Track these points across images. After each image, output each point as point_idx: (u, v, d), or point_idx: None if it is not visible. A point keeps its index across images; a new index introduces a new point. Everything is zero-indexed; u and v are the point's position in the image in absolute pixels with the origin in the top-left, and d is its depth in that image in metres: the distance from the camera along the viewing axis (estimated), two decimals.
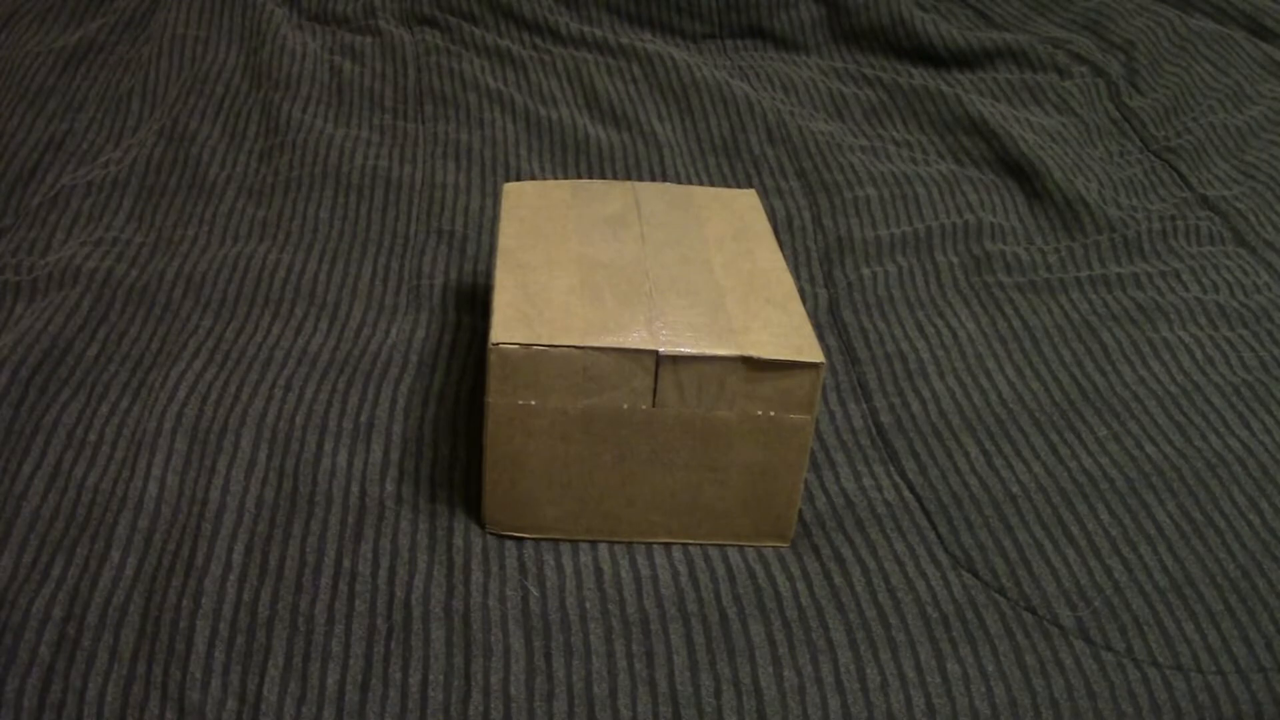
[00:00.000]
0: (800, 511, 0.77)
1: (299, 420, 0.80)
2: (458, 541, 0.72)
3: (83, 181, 1.05)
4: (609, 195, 0.87)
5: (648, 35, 1.41)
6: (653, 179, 1.14)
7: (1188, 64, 1.36)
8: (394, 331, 0.90)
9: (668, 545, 0.74)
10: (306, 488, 0.75)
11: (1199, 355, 0.92)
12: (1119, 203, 1.13)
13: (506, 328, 0.70)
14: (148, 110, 1.19)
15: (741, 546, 0.74)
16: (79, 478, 0.74)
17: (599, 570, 0.72)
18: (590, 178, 1.13)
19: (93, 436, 0.77)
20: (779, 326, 0.73)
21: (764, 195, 1.12)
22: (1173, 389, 0.88)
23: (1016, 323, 0.95)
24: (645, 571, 0.72)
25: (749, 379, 0.70)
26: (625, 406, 0.71)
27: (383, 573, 0.70)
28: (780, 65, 1.36)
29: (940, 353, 0.92)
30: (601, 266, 0.77)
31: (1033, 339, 0.93)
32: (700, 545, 0.74)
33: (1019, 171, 1.16)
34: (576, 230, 0.82)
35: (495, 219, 1.05)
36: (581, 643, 0.67)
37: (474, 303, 0.94)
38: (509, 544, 0.73)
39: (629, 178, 1.14)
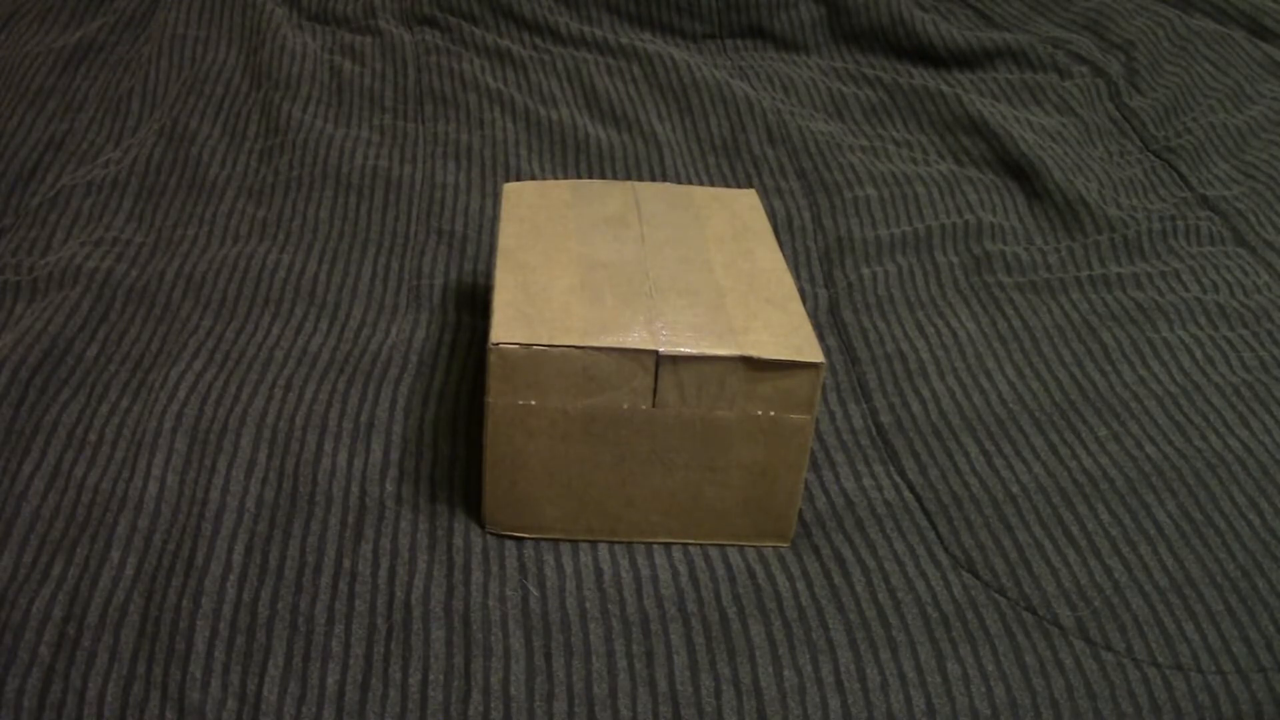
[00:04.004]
0: (800, 511, 0.77)
1: (299, 420, 0.80)
2: (458, 541, 0.72)
3: (83, 181, 1.05)
4: (609, 195, 0.87)
5: (648, 35, 1.41)
6: (653, 179, 1.14)
7: (1188, 64, 1.36)
8: (394, 331, 0.90)
9: (668, 545, 0.74)
10: (306, 488, 0.75)
11: (1199, 355, 0.92)
12: (1119, 203, 1.13)
13: (506, 328, 0.70)
14: (148, 110, 1.19)
15: (741, 546, 0.74)
16: (79, 478, 0.74)
17: (599, 570, 0.72)
18: (590, 178, 1.13)
19: (93, 436, 0.77)
20: (779, 326, 0.73)
21: (764, 195, 1.12)
22: (1173, 389, 0.88)
23: (1016, 323, 0.95)
24: (645, 571, 0.72)
25: (749, 379, 0.70)
26: (625, 406, 0.71)
27: (383, 573, 0.70)
28: (780, 65, 1.36)
29: (940, 353, 0.92)
30: (601, 266, 0.77)
31: (1033, 339, 0.93)
32: (700, 545, 0.74)
33: (1019, 171, 1.16)
34: (576, 230, 0.82)
35: (495, 219, 1.05)
36: (581, 643, 0.67)
37: (474, 303, 0.94)
38: (509, 544, 0.73)
39: (629, 178, 1.14)
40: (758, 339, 0.71)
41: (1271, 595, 0.72)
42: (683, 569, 0.72)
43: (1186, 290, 1.00)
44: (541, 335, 0.70)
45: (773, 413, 0.71)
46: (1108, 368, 0.90)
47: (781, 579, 0.72)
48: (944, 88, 1.29)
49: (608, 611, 0.69)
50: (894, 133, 1.24)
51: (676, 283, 0.76)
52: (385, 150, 1.13)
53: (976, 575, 0.73)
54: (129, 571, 0.68)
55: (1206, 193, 1.14)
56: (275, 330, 0.89)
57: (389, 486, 0.75)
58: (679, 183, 1.13)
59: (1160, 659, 0.68)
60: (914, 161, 1.19)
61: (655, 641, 0.67)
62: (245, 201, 1.05)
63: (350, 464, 0.77)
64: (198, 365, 0.84)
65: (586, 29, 1.38)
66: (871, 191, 1.12)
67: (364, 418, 0.80)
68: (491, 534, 0.73)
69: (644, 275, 0.77)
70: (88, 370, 0.83)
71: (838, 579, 0.72)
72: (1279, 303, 0.99)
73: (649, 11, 1.43)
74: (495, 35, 1.37)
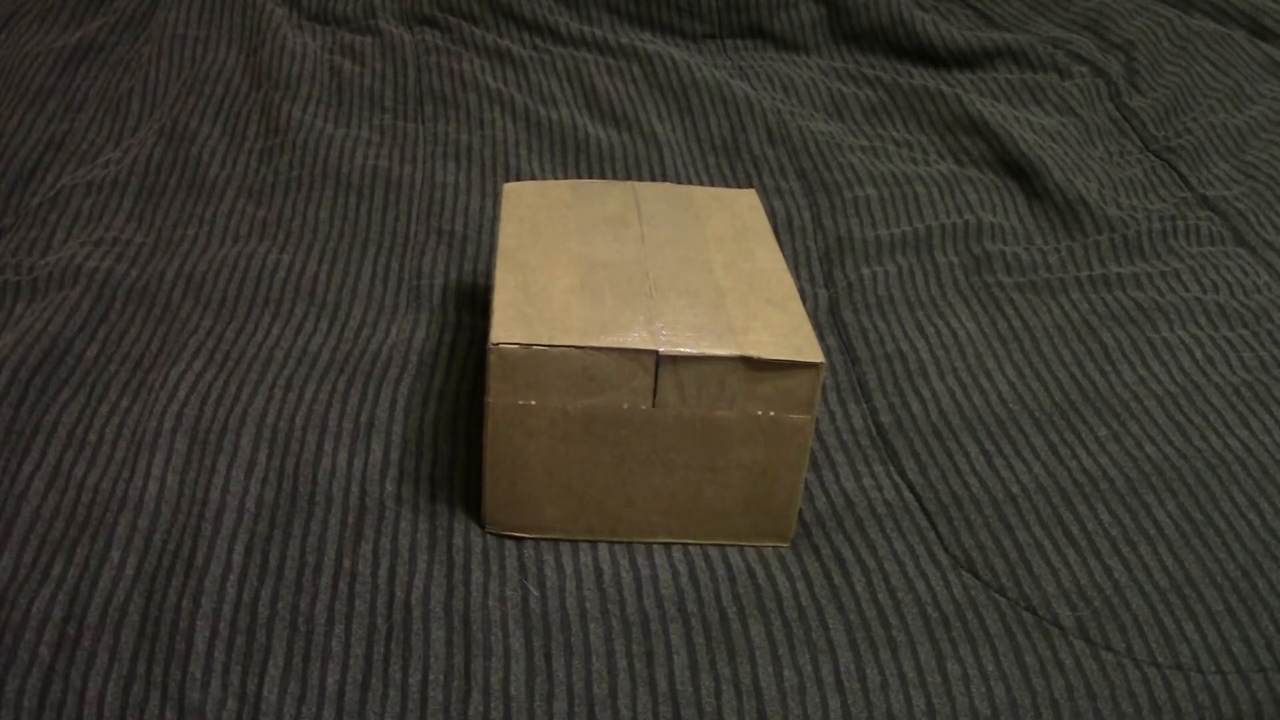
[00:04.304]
0: (800, 511, 0.77)
1: (299, 420, 0.80)
2: (458, 541, 0.72)
3: (83, 181, 1.05)
4: (609, 195, 0.87)
5: (648, 35, 1.41)
6: (653, 179, 1.14)
7: (1188, 64, 1.36)
8: (394, 331, 0.90)
9: (668, 545, 0.74)
10: (306, 488, 0.75)
11: (1199, 355, 0.92)
12: (1119, 203, 1.13)
13: (506, 328, 0.70)
14: (148, 110, 1.19)
15: (741, 546, 0.74)
16: (79, 478, 0.74)
17: (599, 570, 0.72)
18: (590, 178, 1.13)
19: (93, 436, 0.77)
20: (779, 326, 0.73)
21: (764, 195, 1.12)
22: (1173, 389, 0.88)
23: (1016, 323, 0.95)
24: (645, 571, 0.72)
25: (749, 379, 0.70)
26: (625, 406, 0.71)
27: (383, 573, 0.70)
28: (780, 65, 1.36)
29: (940, 353, 0.92)
30: (601, 266, 0.77)
31: (1033, 339, 0.93)
32: (700, 545, 0.74)
33: (1019, 171, 1.16)
34: (576, 230, 0.82)
35: (495, 219, 1.05)
36: (581, 643, 0.67)
37: (474, 303, 0.94)
38: (509, 544, 0.73)
39: (629, 178, 1.14)
40: (758, 339, 0.71)
41: (1271, 595, 0.72)
42: (683, 569, 0.72)
43: (1186, 290, 1.00)
44: (541, 335, 0.70)
45: (773, 413, 0.71)
46: (1108, 368, 0.90)
47: (781, 579, 0.72)
48: (944, 88, 1.29)
49: (608, 611, 0.69)
50: (894, 133, 1.24)
51: (676, 283, 0.76)
52: (385, 150, 1.13)
53: (976, 575, 0.73)
54: (129, 571, 0.68)
55: (1206, 193, 1.14)
56: (275, 330, 0.89)
57: (389, 486, 0.75)
58: (679, 183, 1.13)
59: (1160, 659, 0.68)
60: (914, 161, 1.19)
61: (655, 641, 0.67)
62: (245, 201, 1.05)
63: (350, 464, 0.77)
64: (198, 365, 0.84)
65: (586, 29, 1.38)
66: (871, 191, 1.12)
67: (364, 418, 0.80)
68: (491, 534, 0.73)
69: (644, 275, 0.77)
70: (88, 370, 0.83)
71: (838, 579, 0.72)
72: (1279, 303, 0.99)
73: (649, 11, 1.43)
74: (495, 35, 1.37)
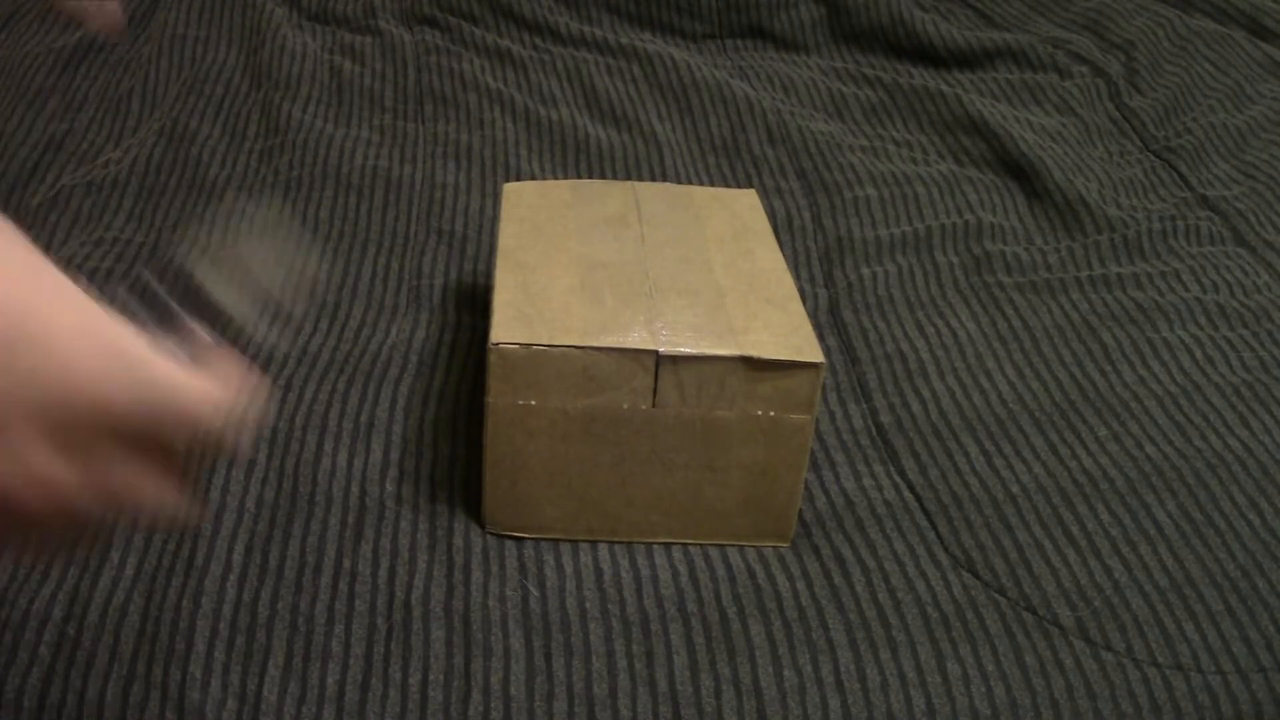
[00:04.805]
0: (800, 511, 0.77)
1: (299, 420, 0.80)
2: (458, 541, 0.72)
3: (83, 181, 1.05)
4: (609, 195, 0.87)
5: (648, 35, 1.41)
6: (653, 179, 1.14)
7: (1188, 64, 1.36)
8: (394, 331, 0.90)
9: (668, 545, 0.74)
10: (306, 488, 0.75)
11: (1199, 355, 0.92)
12: (1119, 203, 1.13)
13: (506, 328, 0.70)
14: (148, 110, 1.19)
15: (741, 546, 0.74)
16: None
17: (599, 570, 0.72)
18: (590, 178, 1.13)
19: None
20: (779, 326, 0.73)
21: (764, 195, 1.12)
22: (1173, 389, 0.88)
23: (1016, 323, 0.95)
24: (645, 571, 0.72)
25: (749, 379, 0.70)
26: (625, 406, 0.71)
27: (383, 573, 0.70)
28: (780, 65, 1.36)
29: (940, 353, 0.92)
30: (601, 266, 0.77)
31: (1033, 339, 0.93)
32: (700, 545, 0.74)
33: (1019, 171, 1.16)
34: (576, 230, 0.82)
35: (495, 219, 1.05)
36: (581, 643, 0.67)
37: (474, 303, 0.94)
38: (509, 544, 0.73)
39: (629, 178, 1.14)
40: (758, 339, 0.71)
41: (1271, 595, 0.72)
42: (683, 569, 0.72)
43: (1186, 290, 1.00)
44: (541, 335, 0.70)
45: (773, 413, 0.71)
46: (1108, 368, 0.90)
47: (781, 579, 0.72)
48: (944, 88, 1.29)
49: (608, 611, 0.69)
50: (894, 133, 1.24)
51: (676, 283, 0.76)
52: (385, 150, 1.13)
53: (976, 575, 0.73)
54: (129, 571, 0.68)
55: (1206, 193, 1.14)
56: (275, 330, 0.89)
57: (389, 486, 0.75)
58: (679, 183, 1.13)
59: (1160, 659, 0.68)
60: (914, 161, 1.19)
61: (655, 641, 0.67)
62: (245, 202, 1.05)
63: (350, 464, 0.77)
64: None
65: (586, 29, 1.38)
66: (871, 191, 1.12)
67: (364, 418, 0.80)
68: (491, 534, 0.73)
69: (644, 275, 0.77)
70: None
71: (838, 579, 0.72)
72: (1279, 303, 0.99)
73: (649, 11, 1.43)
74: (495, 35, 1.37)
